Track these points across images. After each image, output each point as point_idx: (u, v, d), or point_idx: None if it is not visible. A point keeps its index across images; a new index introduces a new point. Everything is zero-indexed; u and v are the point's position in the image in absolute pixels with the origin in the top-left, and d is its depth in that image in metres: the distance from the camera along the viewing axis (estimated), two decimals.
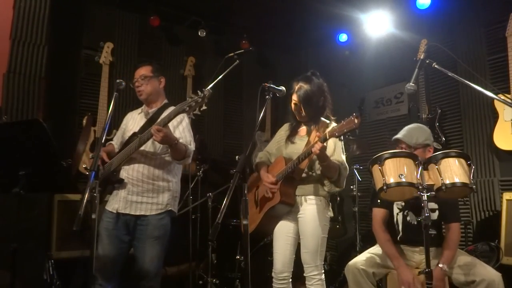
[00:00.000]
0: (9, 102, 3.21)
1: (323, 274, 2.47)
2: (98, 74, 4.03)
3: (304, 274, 2.48)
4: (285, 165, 2.49)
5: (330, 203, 2.61)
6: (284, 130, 2.76)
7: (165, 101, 2.76)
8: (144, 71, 2.68)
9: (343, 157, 2.53)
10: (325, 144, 2.27)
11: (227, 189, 1.88)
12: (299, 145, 2.58)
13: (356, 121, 2.11)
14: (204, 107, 2.25)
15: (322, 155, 2.32)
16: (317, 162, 2.47)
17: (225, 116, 5.12)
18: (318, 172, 2.53)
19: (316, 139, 2.30)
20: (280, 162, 2.58)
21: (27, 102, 3.27)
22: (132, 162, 2.55)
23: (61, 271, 3.11)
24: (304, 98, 2.52)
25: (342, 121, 2.20)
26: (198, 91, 2.24)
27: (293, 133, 2.67)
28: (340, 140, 2.45)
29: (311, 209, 2.48)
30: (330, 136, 2.24)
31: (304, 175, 2.53)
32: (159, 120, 2.41)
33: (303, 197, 2.52)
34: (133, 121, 2.75)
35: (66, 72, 3.99)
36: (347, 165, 2.51)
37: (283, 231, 2.58)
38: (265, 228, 2.63)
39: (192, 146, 2.56)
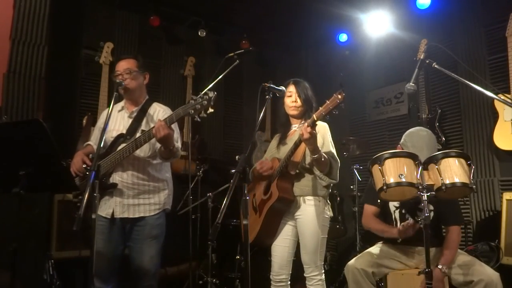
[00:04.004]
0: (9, 102, 3.21)
1: (323, 274, 2.47)
2: (98, 74, 4.02)
3: (305, 275, 2.47)
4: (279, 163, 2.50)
5: (329, 203, 2.61)
6: (275, 139, 2.78)
7: (147, 97, 2.65)
8: (128, 64, 2.54)
9: (333, 150, 2.53)
10: (314, 131, 2.24)
11: (227, 189, 1.88)
12: (290, 146, 2.55)
13: (339, 96, 2.14)
14: (210, 110, 2.21)
15: (312, 142, 2.27)
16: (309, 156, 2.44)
17: (225, 116, 5.12)
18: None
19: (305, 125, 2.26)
20: (274, 162, 2.58)
21: (27, 102, 3.27)
22: (124, 165, 2.45)
23: (61, 271, 3.11)
24: (301, 87, 2.61)
25: (326, 101, 2.20)
26: (202, 94, 2.15)
27: (284, 136, 2.68)
28: (328, 135, 2.54)
29: (310, 210, 2.47)
30: (318, 118, 2.21)
31: (298, 170, 2.51)
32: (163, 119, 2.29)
33: (301, 198, 2.50)
34: (113, 119, 2.58)
35: (66, 72, 3.99)
36: (337, 157, 2.50)
37: (281, 234, 2.56)
38: (267, 233, 2.56)
39: (178, 144, 2.47)
